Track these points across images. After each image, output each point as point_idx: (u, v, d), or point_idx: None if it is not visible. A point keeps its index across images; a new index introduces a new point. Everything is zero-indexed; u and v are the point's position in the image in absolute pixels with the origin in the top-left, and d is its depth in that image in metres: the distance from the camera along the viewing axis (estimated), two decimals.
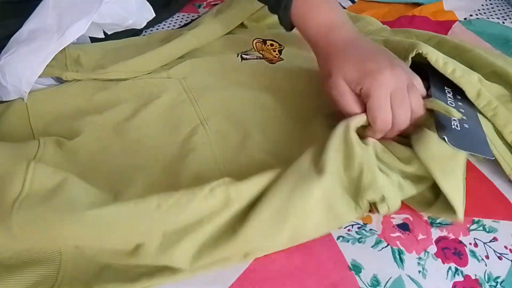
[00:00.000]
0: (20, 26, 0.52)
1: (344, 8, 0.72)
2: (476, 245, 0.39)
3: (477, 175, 0.44)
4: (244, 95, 0.53)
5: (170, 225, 0.36)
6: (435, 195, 0.41)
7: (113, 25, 0.58)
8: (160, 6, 0.67)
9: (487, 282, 0.37)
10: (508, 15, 0.65)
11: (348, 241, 0.40)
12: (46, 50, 0.51)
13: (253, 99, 0.53)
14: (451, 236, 0.40)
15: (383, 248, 0.39)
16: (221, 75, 0.56)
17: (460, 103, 0.44)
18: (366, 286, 0.37)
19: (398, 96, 0.39)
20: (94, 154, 0.46)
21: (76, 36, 0.52)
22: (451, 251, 0.39)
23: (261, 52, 0.59)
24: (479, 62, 0.48)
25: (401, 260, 0.38)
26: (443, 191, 0.38)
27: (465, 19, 0.66)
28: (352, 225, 0.41)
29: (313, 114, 0.50)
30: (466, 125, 0.41)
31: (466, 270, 0.38)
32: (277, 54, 0.58)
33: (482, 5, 0.68)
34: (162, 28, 0.71)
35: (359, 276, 0.37)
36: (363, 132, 0.41)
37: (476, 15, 0.66)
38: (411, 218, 0.41)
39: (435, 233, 0.40)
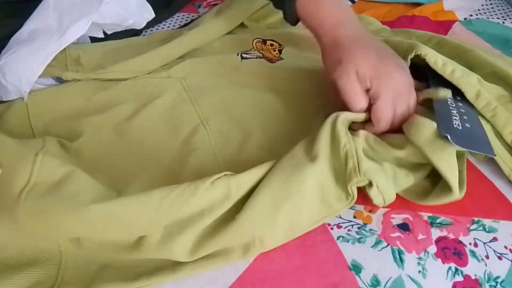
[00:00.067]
0: (21, 26, 0.52)
1: None
2: (476, 245, 0.39)
3: (477, 175, 0.44)
4: (244, 95, 0.53)
5: (172, 218, 0.36)
6: (432, 185, 0.42)
7: (113, 25, 0.58)
8: (160, 7, 0.67)
9: (487, 282, 0.37)
10: (508, 15, 0.65)
11: (348, 241, 0.40)
12: (46, 50, 0.51)
13: (253, 98, 0.53)
14: (451, 236, 0.40)
15: (383, 248, 0.39)
16: (221, 74, 0.56)
17: (460, 104, 0.44)
18: (366, 286, 0.37)
19: (402, 98, 0.42)
20: (95, 155, 0.47)
21: (77, 37, 0.52)
22: (451, 251, 0.39)
23: (261, 51, 0.59)
24: (479, 62, 0.48)
25: (401, 260, 0.38)
26: (437, 169, 0.39)
27: (465, 19, 0.66)
28: (352, 225, 0.41)
29: (313, 113, 0.50)
30: (467, 125, 0.41)
31: (466, 270, 0.38)
32: (277, 54, 0.58)
33: (482, 5, 0.68)
34: (162, 28, 0.71)
35: (359, 276, 0.37)
36: (358, 126, 0.43)
37: (476, 15, 0.66)
38: (411, 218, 0.41)
39: (435, 233, 0.40)
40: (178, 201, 0.36)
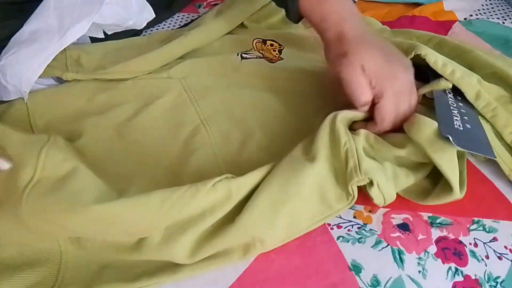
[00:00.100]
0: (21, 27, 0.52)
1: None
2: (476, 245, 0.39)
3: (477, 175, 0.44)
4: (244, 95, 0.53)
5: (173, 220, 0.37)
6: (432, 185, 0.42)
7: (114, 26, 0.58)
8: (161, 7, 0.67)
9: (487, 282, 0.37)
10: (508, 15, 0.65)
11: (348, 241, 0.40)
12: (47, 51, 0.51)
13: (253, 98, 0.53)
14: (451, 236, 0.40)
15: (383, 248, 0.39)
16: (221, 74, 0.56)
17: (461, 104, 0.44)
18: (366, 286, 0.37)
19: (404, 98, 0.42)
20: (96, 155, 0.47)
21: (77, 37, 0.52)
22: (451, 251, 0.39)
23: (261, 52, 0.59)
24: (479, 63, 0.48)
25: (401, 260, 0.38)
26: (438, 168, 0.39)
27: (465, 19, 0.66)
28: (352, 225, 0.41)
29: (313, 113, 0.50)
30: (468, 125, 0.41)
31: (466, 270, 0.38)
32: (277, 54, 0.58)
33: (482, 5, 0.68)
34: (162, 28, 0.71)
35: (359, 276, 0.37)
36: (359, 126, 0.43)
37: (476, 15, 0.66)
38: (411, 218, 0.41)
39: (435, 233, 0.40)
40: (179, 203, 0.36)
